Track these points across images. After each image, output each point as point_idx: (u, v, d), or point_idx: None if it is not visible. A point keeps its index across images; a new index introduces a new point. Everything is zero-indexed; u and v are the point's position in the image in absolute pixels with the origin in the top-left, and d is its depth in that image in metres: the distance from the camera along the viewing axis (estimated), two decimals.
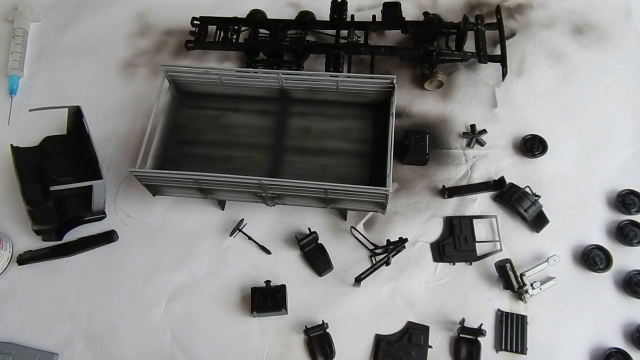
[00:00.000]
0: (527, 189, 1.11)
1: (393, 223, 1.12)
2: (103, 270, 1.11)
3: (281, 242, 1.11)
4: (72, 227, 1.13)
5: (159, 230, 1.14)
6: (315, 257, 1.08)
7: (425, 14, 1.28)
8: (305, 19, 1.32)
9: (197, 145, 1.14)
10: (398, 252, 1.07)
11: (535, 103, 1.23)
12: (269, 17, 1.33)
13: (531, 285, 1.02)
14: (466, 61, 1.24)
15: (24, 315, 1.08)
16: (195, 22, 1.31)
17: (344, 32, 1.26)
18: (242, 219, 1.13)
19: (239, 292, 1.08)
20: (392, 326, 1.04)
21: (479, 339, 1.00)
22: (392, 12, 1.29)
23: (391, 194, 1.05)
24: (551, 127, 1.20)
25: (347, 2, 1.30)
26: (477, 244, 1.09)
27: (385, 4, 1.30)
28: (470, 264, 1.08)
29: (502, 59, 1.21)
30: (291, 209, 1.14)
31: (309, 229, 1.10)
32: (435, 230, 1.11)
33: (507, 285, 1.02)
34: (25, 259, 1.11)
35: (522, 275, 1.02)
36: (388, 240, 1.07)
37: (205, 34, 1.31)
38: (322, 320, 1.02)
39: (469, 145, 1.19)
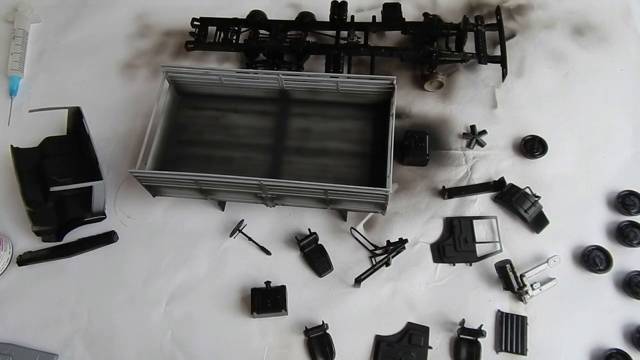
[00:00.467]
0: (527, 190, 1.11)
1: (393, 224, 1.12)
2: (103, 271, 1.11)
3: (281, 243, 1.11)
4: (72, 227, 1.13)
5: (159, 231, 1.14)
6: (315, 257, 1.08)
7: (425, 14, 1.28)
8: (305, 19, 1.32)
9: (197, 146, 1.14)
10: (398, 252, 1.07)
11: (535, 104, 1.23)
12: (269, 17, 1.33)
13: (531, 286, 1.02)
14: (466, 62, 1.25)
15: (24, 316, 1.08)
16: (195, 23, 1.31)
17: (344, 33, 1.26)
18: (242, 220, 1.13)
19: (239, 293, 1.07)
20: (392, 327, 1.04)
21: (479, 339, 1.00)
22: (392, 13, 1.29)
23: (391, 195, 1.04)
24: (551, 128, 1.20)
25: (347, 3, 1.30)
26: (477, 244, 1.09)
27: (385, 5, 1.30)
28: (470, 265, 1.08)
29: (502, 60, 1.22)
30: (291, 210, 1.14)
31: (309, 229, 1.10)
32: (435, 231, 1.11)
33: (507, 286, 1.02)
34: (25, 259, 1.11)
35: (522, 276, 1.02)
36: (388, 241, 1.07)
37: (205, 34, 1.31)
38: (322, 321, 1.02)
39: (469, 146, 1.19)
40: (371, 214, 1.13)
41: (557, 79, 1.26)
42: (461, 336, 1.01)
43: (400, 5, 1.29)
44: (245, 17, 1.32)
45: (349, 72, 1.24)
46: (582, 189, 1.14)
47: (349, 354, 1.02)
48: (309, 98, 1.15)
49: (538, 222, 1.10)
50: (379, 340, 1.02)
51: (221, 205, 1.14)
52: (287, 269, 1.09)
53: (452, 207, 1.13)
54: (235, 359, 1.03)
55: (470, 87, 1.26)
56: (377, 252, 1.08)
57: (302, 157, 1.11)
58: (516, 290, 1.01)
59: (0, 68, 1.35)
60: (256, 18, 1.32)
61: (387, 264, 1.06)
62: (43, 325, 1.07)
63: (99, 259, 1.12)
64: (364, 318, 1.04)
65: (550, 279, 1.04)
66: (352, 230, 1.11)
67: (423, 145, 1.14)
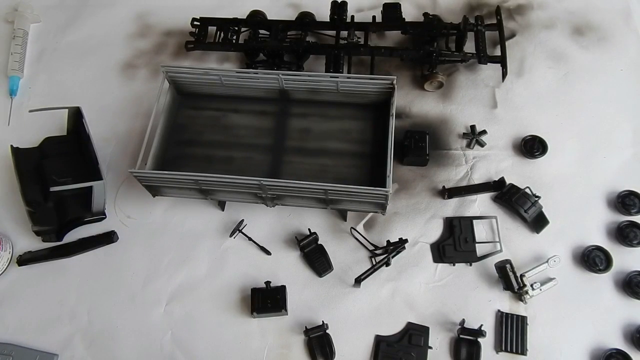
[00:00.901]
0: (527, 190, 1.11)
1: (393, 224, 1.12)
2: (103, 271, 1.11)
3: (281, 243, 1.11)
4: (72, 227, 1.13)
5: (159, 231, 1.14)
6: (315, 257, 1.08)
7: (425, 14, 1.28)
8: (305, 19, 1.32)
9: (197, 146, 1.14)
10: (398, 252, 1.07)
11: (535, 104, 1.23)
12: (269, 17, 1.33)
13: (531, 286, 1.02)
14: (466, 62, 1.25)
15: (24, 316, 1.08)
16: (195, 23, 1.31)
17: (344, 33, 1.26)
18: (242, 220, 1.13)
19: (239, 293, 1.07)
20: (392, 327, 1.04)
21: (479, 339, 1.00)
22: (392, 13, 1.29)
23: (391, 195, 1.04)
24: (551, 128, 1.20)
25: (347, 3, 1.30)
26: (477, 244, 1.09)
27: (385, 5, 1.30)
28: (470, 265, 1.08)
29: (502, 60, 1.22)
30: (291, 210, 1.14)
31: (309, 229, 1.10)
32: (435, 231, 1.11)
33: (507, 286, 1.02)
34: (25, 259, 1.11)
35: (522, 276, 1.02)
36: (388, 241, 1.07)
37: (205, 34, 1.31)
38: (322, 321, 1.02)
39: (469, 146, 1.19)
40: (371, 214, 1.13)
41: (557, 79, 1.26)
42: (461, 336, 1.01)
43: (400, 5, 1.29)
44: (245, 17, 1.32)
45: (349, 72, 1.24)
46: (582, 189, 1.14)
47: (349, 354, 1.02)
48: (309, 98, 1.15)
49: (538, 222, 1.10)
50: (379, 340, 1.02)
51: (221, 205, 1.14)
52: (287, 269, 1.09)
53: (452, 207, 1.13)
54: (235, 359, 1.03)
55: (470, 87, 1.26)
56: (377, 252, 1.08)
57: (302, 157, 1.11)
58: (516, 290, 1.01)
59: (0, 68, 1.35)
60: (256, 18, 1.32)
61: (387, 264, 1.06)
62: (43, 325, 1.07)
63: (99, 259, 1.12)
64: (364, 318, 1.04)
65: (550, 279, 1.04)
66: (352, 230, 1.11)
67: (423, 145, 1.14)
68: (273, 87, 1.13)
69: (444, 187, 1.15)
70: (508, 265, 1.02)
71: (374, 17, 1.30)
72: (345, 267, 1.09)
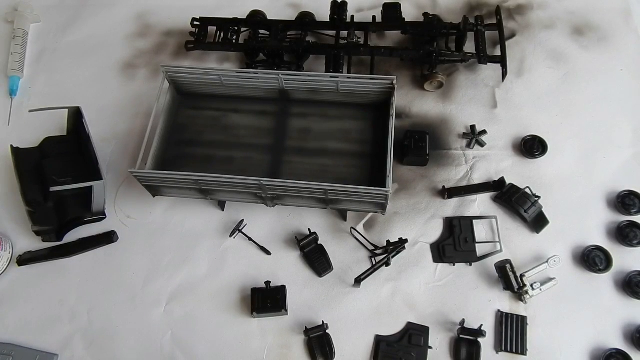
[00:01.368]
0: (527, 190, 1.11)
1: (393, 224, 1.12)
2: (103, 271, 1.11)
3: (281, 243, 1.11)
4: (72, 227, 1.13)
5: (159, 231, 1.14)
6: (315, 257, 1.08)
7: (425, 14, 1.28)
8: (305, 19, 1.32)
9: (197, 146, 1.14)
10: (398, 252, 1.07)
11: (535, 104, 1.23)
12: (268, 17, 1.33)
13: (531, 286, 1.02)
14: (466, 62, 1.25)
15: (24, 316, 1.08)
16: (195, 23, 1.31)
17: (344, 33, 1.26)
18: (242, 220, 1.13)
19: (239, 293, 1.07)
20: (392, 327, 1.04)
21: (479, 339, 1.00)
22: (392, 13, 1.29)
23: (391, 195, 1.04)
24: (551, 128, 1.20)
25: (347, 3, 1.30)
26: (477, 244, 1.09)
27: (385, 5, 1.30)
28: (470, 265, 1.08)
29: (502, 60, 1.22)
30: (291, 210, 1.14)
31: (309, 229, 1.10)
32: (435, 231, 1.11)
33: (507, 286, 1.02)
34: (25, 259, 1.11)
35: (522, 276, 1.02)
36: (388, 241, 1.07)
37: (205, 34, 1.31)
38: (322, 321, 1.02)
39: (469, 146, 1.19)
40: (371, 214, 1.13)
41: (557, 79, 1.26)
42: (461, 336, 1.01)
43: (400, 5, 1.29)
44: (245, 17, 1.32)
45: (349, 72, 1.24)
46: (582, 189, 1.14)
47: (349, 354, 1.02)
48: (309, 98, 1.15)
49: (538, 222, 1.10)
50: (379, 340, 1.02)
51: (221, 205, 1.14)
52: (287, 269, 1.09)
53: (452, 207, 1.13)
54: (235, 359, 1.03)
55: (470, 87, 1.26)
56: (377, 252, 1.08)
57: (302, 157, 1.11)
58: (516, 290, 1.01)
59: (0, 68, 1.35)
60: (256, 18, 1.32)
61: (387, 264, 1.06)
62: (43, 325, 1.07)
63: (99, 259, 1.12)
64: (364, 318, 1.04)
65: (550, 279, 1.04)
66: (352, 230, 1.11)
67: (423, 145, 1.14)
68: (273, 87, 1.13)
69: (444, 187, 1.15)
70: (508, 265, 1.02)
71: (374, 17, 1.30)
72: (345, 267, 1.09)
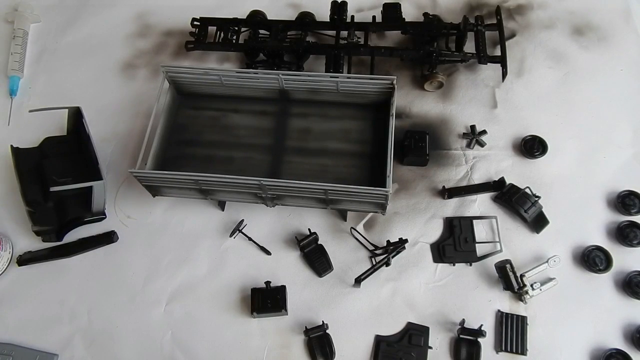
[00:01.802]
0: (527, 190, 1.11)
1: (393, 224, 1.12)
2: (103, 271, 1.11)
3: (281, 243, 1.11)
4: (72, 227, 1.13)
5: (159, 231, 1.14)
6: (315, 257, 1.08)
7: (425, 14, 1.28)
8: (305, 19, 1.32)
9: (197, 146, 1.14)
10: (398, 252, 1.07)
11: (535, 104, 1.23)
12: (269, 17, 1.33)
13: (531, 286, 1.02)
14: (466, 62, 1.25)
15: (24, 316, 1.08)
16: (195, 23, 1.31)
17: (344, 33, 1.26)
18: (242, 220, 1.13)
19: (239, 293, 1.07)
20: (392, 327, 1.04)
21: (479, 339, 1.00)
22: (392, 13, 1.29)
23: (391, 195, 1.04)
24: (551, 127, 1.20)
25: (347, 3, 1.30)
26: (477, 244, 1.09)
27: (385, 5, 1.30)
28: (470, 265, 1.08)
29: (502, 60, 1.22)
30: (291, 210, 1.14)
31: (309, 229, 1.10)
32: (435, 231, 1.11)
33: (507, 286, 1.02)
34: (25, 259, 1.11)
35: (522, 276, 1.02)
36: (388, 241, 1.07)
37: (205, 34, 1.31)
38: (322, 321, 1.02)
39: (469, 146, 1.19)
40: (371, 214, 1.13)
41: (557, 79, 1.26)
42: (461, 336, 1.01)
43: (400, 5, 1.29)
44: (245, 17, 1.32)
45: (349, 72, 1.24)
46: (582, 189, 1.14)
47: (349, 354, 1.02)
48: (309, 98, 1.15)
49: (538, 222, 1.10)
50: (379, 340, 1.02)
51: (221, 205, 1.14)
52: (287, 269, 1.09)
53: (452, 207, 1.13)
54: (235, 359, 1.03)
55: (470, 87, 1.26)
56: (377, 252, 1.08)
57: (302, 157, 1.11)
58: (516, 290, 1.01)
59: (0, 68, 1.35)
60: (256, 18, 1.32)
61: (387, 264, 1.06)
62: (43, 325, 1.07)
63: (99, 259, 1.12)
64: (364, 318, 1.04)
65: (550, 279, 1.04)
66: (352, 230, 1.11)
67: (423, 145, 1.14)
68: (273, 87, 1.13)
69: (444, 187, 1.15)
70: (508, 265, 1.02)
71: (374, 17, 1.30)
72: (345, 267, 1.09)
